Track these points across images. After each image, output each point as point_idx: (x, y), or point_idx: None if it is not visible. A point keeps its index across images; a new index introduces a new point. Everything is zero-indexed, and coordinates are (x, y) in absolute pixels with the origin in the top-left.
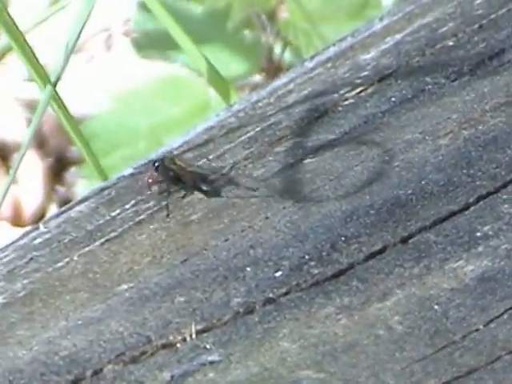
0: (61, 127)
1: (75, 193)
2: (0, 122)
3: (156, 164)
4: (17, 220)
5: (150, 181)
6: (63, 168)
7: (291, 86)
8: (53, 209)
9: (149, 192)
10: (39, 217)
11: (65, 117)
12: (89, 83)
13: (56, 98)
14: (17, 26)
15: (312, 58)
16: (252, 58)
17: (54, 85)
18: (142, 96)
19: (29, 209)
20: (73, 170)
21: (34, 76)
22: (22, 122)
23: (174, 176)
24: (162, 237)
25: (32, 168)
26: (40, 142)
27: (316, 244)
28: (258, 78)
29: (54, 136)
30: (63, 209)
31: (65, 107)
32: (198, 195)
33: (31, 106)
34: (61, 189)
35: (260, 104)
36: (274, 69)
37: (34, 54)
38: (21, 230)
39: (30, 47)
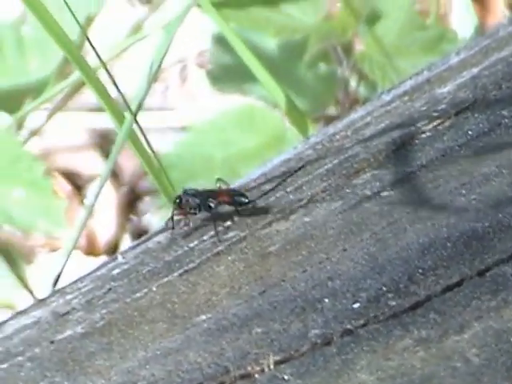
0: (134, 157)
1: (149, 223)
2: (74, 151)
3: (177, 200)
4: (90, 249)
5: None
6: (137, 197)
7: (368, 118)
8: (126, 239)
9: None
10: (112, 246)
11: (139, 149)
12: (164, 114)
13: (134, 129)
14: (87, 64)
15: (389, 91)
16: (328, 90)
17: (135, 115)
18: (218, 127)
19: (102, 238)
20: (146, 199)
21: (108, 110)
22: (96, 153)
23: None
24: (240, 268)
25: (106, 197)
26: (114, 171)
27: (393, 276)
28: (333, 110)
29: (128, 166)
30: (141, 239)
31: (145, 136)
32: (276, 227)
33: (105, 136)
34: (134, 218)
35: (337, 137)
36: (349, 101)
37: (106, 90)
38: (94, 260)
39: (102, 84)
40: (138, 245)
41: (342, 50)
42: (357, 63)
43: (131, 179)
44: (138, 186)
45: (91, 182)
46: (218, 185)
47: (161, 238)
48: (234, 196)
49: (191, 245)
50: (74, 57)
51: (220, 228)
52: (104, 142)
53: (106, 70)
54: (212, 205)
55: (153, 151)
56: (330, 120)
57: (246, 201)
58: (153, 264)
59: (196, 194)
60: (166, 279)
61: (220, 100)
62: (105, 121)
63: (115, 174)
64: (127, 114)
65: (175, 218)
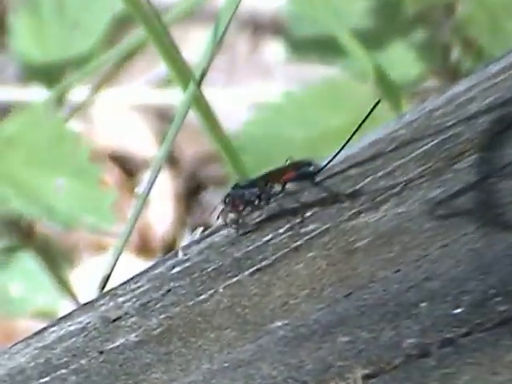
0: (196, 140)
1: (213, 217)
2: (125, 132)
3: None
4: (143, 247)
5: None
6: (199, 187)
7: (473, 93)
8: (185, 235)
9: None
10: (170, 244)
11: (210, 123)
12: (231, 90)
13: (199, 101)
14: (158, 17)
15: (497, 60)
16: (425, 59)
17: (198, 84)
18: (296, 104)
19: (157, 234)
20: (210, 189)
21: (174, 74)
22: (150, 134)
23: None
24: (322, 266)
25: (162, 186)
26: (171, 158)
27: (502, 277)
28: (431, 83)
29: (189, 150)
30: (206, 233)
31: (210, 111)
32: (364, 218)
33: (159, 115)
34: (195, 212)
35: (436, 114)
36: (450, 73)
37: (174, 47)
38: (147, 260)
39: (170, 39)
40: (202, 239)
41: (442, 12)
42: (460, 27)
43: (192, 165)
44: (200, 173)
45: (145, 168)
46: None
47: (230, 230)
48: (299, 168)
49: (265, 239)
50: (135, 7)
51: (297, 220)
52: (160, 122)
53: (167, 33)
54: (273, 190)
55: (220, 128)
56: (427, 95)
57: (312, 170)
58: (219, 261)
59: (250, 184)
60: (234, 279)
61: (298, 73)
62: (161, 96)
63: (173, 159)
64: (190, 82)
65: (230, 217)
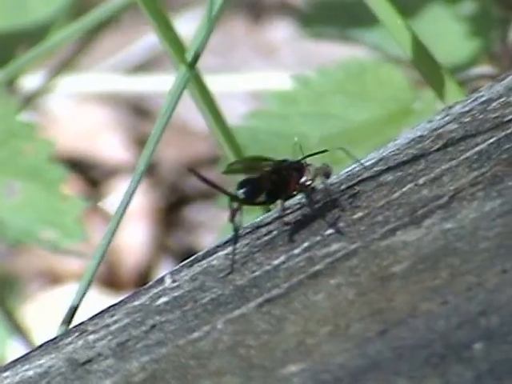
0: (178, 142)
1: (201, 238)
2: (88, 129)
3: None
4: (109, 278)
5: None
6: (180, 203)
7: None
8: (166, 261)
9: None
10: (143, 275)
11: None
12: (227, 75)
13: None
14: None
15: None
16: (479, 39)
17: (192, 65)
18: (310, 93)
19: (128, 262)
20: (195, 204)
21: (167, 45)
22: (120, 131)
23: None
24: (348, 296)
25: (136, 200)
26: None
27: None
28: (486, 68)
29: (168, 156)
30: (200, 254)
31: (209, 95)
32: (402, 237)
33: (132, 107)
34: (177, 233)
35: (494, 105)
36: (510, 55)
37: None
38: (115, 295)
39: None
40: (194, 261)
41: None
42: None
43: (173, 174)
44: (183, 183)
45: (114, 176)
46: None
47: (229, 251)
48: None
49: (275, 262)
50: None
51: (317, 238)
52: (132, 116)
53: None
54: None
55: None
56: (481, 81)
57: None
58: (218, 290)
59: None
60: (237, 312)
61: (310, 53)
62: (134, 84)
63: (150, 166)
64: (181, 65)
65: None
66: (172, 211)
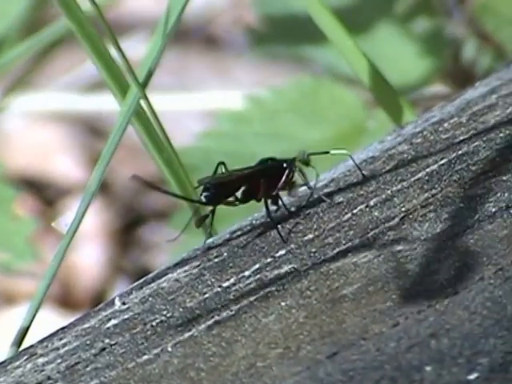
0: (133, 160)
1: (155, 259)
2: (43, 151)
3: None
4: (63, 299)
5: None
6: (135, 223)
7: (493, 99)
8: (120, 282)
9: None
10: (97, 296)
11: (152, 137)
12: (181, 95)
13: (142, 114)
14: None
15: None
16: (431, 57)
17: (143, 86)
18: (264, 113)
19: (82, 283)
20: (151, 224)
21: (104, 74)
22: (74, 150)
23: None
24: (299, 319)
25: (88, 221)
26: (103, 181)
27: None
28: (439, 87)
29: (123, 175)
30: (150, 277)
31: (157, 126)
32: (353, 258)
33: (86, 126)
34: (132, 254)
35: (445, 125)
36: (462, 74)
37: (103, 46)
38: (68, 316)
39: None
40: (144, 284)
41: None
42: (474, 18)
43: (128, 193)
44: (138, 203)
45: (67, 195)
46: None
47: (181, 274)
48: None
49: (225, 284)
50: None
51: (268, 260)
52: (87, 135)
53: (103, 19)
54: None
55: (170, 145)
56: (433, 102)
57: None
58: (168, 312)
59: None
60: (187, 334)
61: (265, 72)
62: (88, 103)
63: (104, 185)
64: (133, 88)
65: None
66: (127, 231)
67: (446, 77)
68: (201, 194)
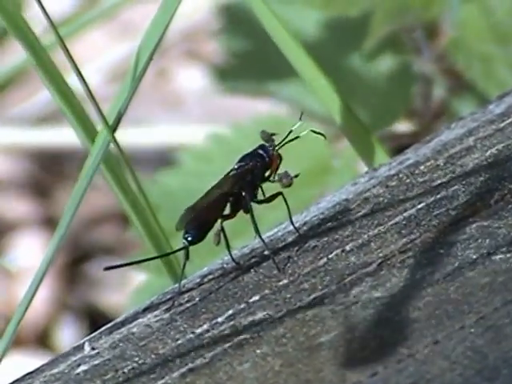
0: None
1: (107, 298)
2: None
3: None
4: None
5: None
6: (81, 258)
7: (470, 141)
8: (66, 321)
9: None
10: (42, 334)
11: (118, 181)
12: (142, 130)
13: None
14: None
15: (500, 98)
16: (400, 95)
17: (113, 129)
18: (227, 150)
19: (29, 318)
20: (97, 260)
21: (68, 114)
22: (22, 184)
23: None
24: (274, 367)
25: (32, 257)
26: (45, 217)
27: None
28: (407, 126)
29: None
30: (119, 321)
31: (128, 163)
32: (330, 305)
33: (36, 159)
34: (78, 290)
35: (421, 168)
36: (433, 113)
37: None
38: (17, 349)
39: (54, 65)
40: (113, 328)
41: (422, 34)
42: (445, 54)
43: (75, 227)
44: (85, 237)
45: (14, 230)
46: None
47: (151, 318)
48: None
49: (198, 330)
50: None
51: (241, 305)
52: (36, 168)
53: (66, 50)
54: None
55: (139, 185)
56: (409, 142)
57: None
58: (139, 359)
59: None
60: (160, 382)
61: (229, 108)
62: (39, 137)
63: (49, 219)
64: (102, 129)
65: None
66: (73, 266)
67: (414, 115)
68: (184, 237)
